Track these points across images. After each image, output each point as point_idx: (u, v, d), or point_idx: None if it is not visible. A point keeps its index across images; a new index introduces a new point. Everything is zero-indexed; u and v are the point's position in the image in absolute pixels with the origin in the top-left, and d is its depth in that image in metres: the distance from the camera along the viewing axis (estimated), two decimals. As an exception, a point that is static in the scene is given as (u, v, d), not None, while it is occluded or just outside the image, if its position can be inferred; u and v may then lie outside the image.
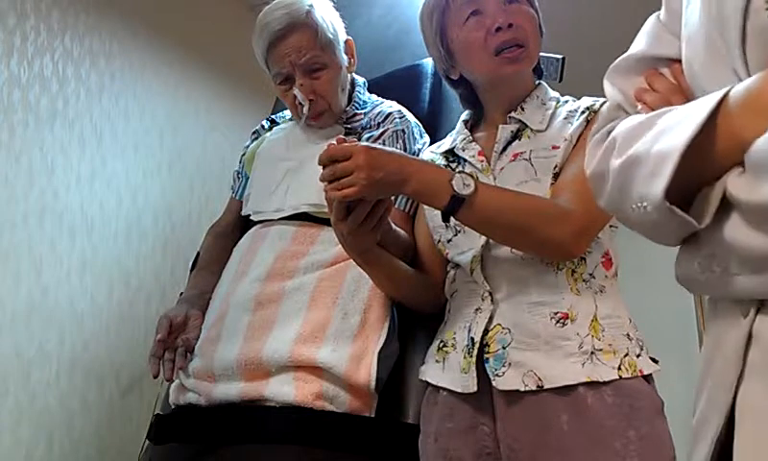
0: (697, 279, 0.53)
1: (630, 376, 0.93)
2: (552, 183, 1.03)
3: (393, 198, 1.20)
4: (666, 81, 0.60)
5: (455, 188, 0.95)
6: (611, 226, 1.06)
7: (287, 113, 1.46)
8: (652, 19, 0.65)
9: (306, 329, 1.12)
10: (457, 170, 0.97)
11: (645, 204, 0.51)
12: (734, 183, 0.47)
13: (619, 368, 0.94)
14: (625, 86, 0.63)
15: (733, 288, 0.49)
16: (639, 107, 0.60)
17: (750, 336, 0.49)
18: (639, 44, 0.65)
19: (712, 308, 0.55)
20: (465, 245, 1.09)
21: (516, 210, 0.98)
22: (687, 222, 0.49)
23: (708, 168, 0.49)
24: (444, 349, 1.08)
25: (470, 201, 0.95)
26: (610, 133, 0.59)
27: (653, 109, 0.58)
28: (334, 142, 0.99)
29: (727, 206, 0.48)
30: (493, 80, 1.13)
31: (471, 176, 0.97)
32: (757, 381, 0.47)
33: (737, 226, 0.47)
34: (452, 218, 0.98)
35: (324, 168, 0.97)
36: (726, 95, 0.48)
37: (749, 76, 0.48)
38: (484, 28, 1.07)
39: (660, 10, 0.65)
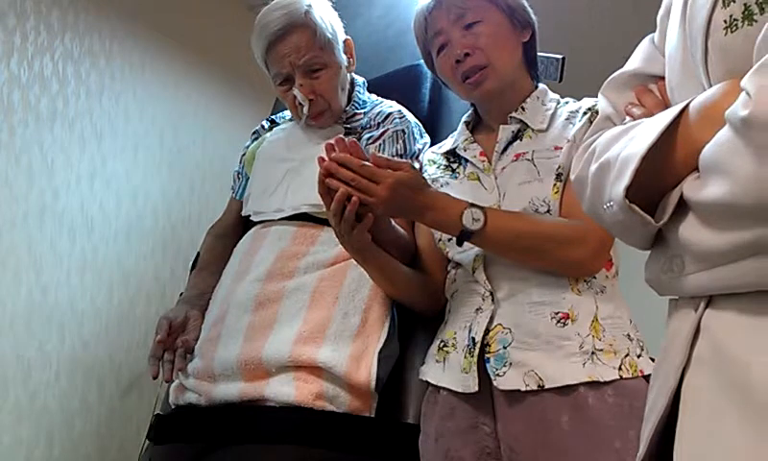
0: (660, 280, 0.57)
1: (631, 376, 0.94)
2: (555, 184, 1.04)
3: None
4: (653, 96, 0.64)
5: (464, 223, 0.99)
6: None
7: (287, 114, 1.46)
8: (646, 41, 0.69)
9: (306, 329, 1.12)
10: (468, 203, 1.01)
11: (612, 203, 0.56)
12: (689, 186, 0.51)
13: (620, 368, 0.94)
14: (617, 100, 0.67)
15: (688, 286, 0.53)
16: (627, 119, 0.64)
17: (698, 329, 0.52)
18: (634, 62, 0.69)
19: (673, 307, 0.59)
20: (465, 244, 1.09)
21: (530, 236, 1.00)
22: (647, 220, 0.54)
23: (669, 173, 0.54)
24: (445, 348, 1.08)
25: (480, 233, 0.99)
26: (594, 142, 0.64)
27: None
28: (345, 139, 1.01)
29: (685, 208, 0.52)
30: (473, 101, 1.20)
31: (482, 209, 1.00)
32: (702, 371, 0.51)
33: (692, 225, 0.51)
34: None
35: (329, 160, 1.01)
36: (687, 106, 0.53)
37: None
38: (451, 58, 1.12)
39: (655, 15, 0.68)
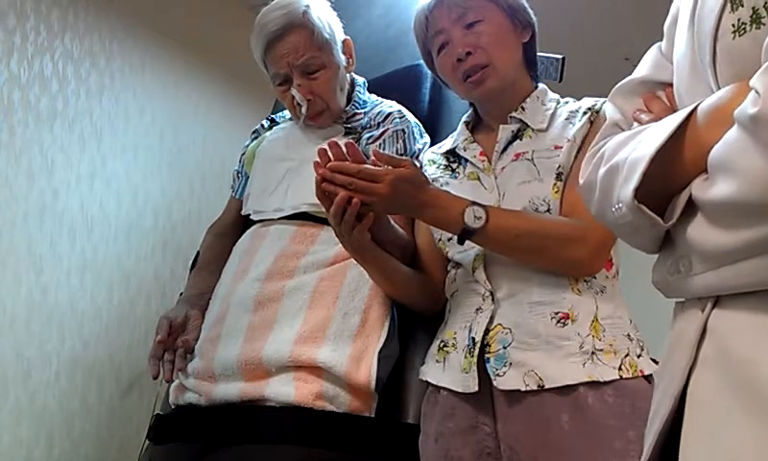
0: (668, 281, 0.58)
1: (631, 376, 0.94)
2: (555, 184, 1.04)
3: None
4: (661, 103, 0.65)
5: (466, 221, 0.98)
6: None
7: (287, 113, 1.46)
8: (654, 49, 0.69)
9: (306, 329, 1.12)
10: (470, 201, 1.01)
11: (621, 205, 0.56)
12: (697, 186, 0.52)
13: (620, 368, 0.94)
14: (625, 107, 0.68)
15: (695, 286, 0.53)
16: (635, 125, 0.64)
17: (705, 330, 0.52)
18: (642, 69, 0.69)
19: (679, 309, 0.59)
20: (466, 243, 1.09)
21: (531, 234, 1.00)
22: (656, 221, 0.54)
23: (677, 175, 0.54)
24: (445, 349, 1.08)
25: (482, 231, 0.99)
26: (602, 147, 0.64)
27: None
28: (339, 142, 1.01)
29: (693, 208, 0.53)
30: (473, 100, 1.20)
31: (484, 207, 1.00)
32: (708, 372, 0.51)
33: (700, 225, 0.52)
34: None
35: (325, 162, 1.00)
36: (695, 109, 0.54)
37: None
38: (452, 57, 1.12)
39: (655, 15, 0.71)
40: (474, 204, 1.00)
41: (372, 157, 1.03)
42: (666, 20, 0.67)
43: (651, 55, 0.69)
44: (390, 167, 1.01)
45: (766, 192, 0.43)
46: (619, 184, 0.56)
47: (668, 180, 0.54)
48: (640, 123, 0.63)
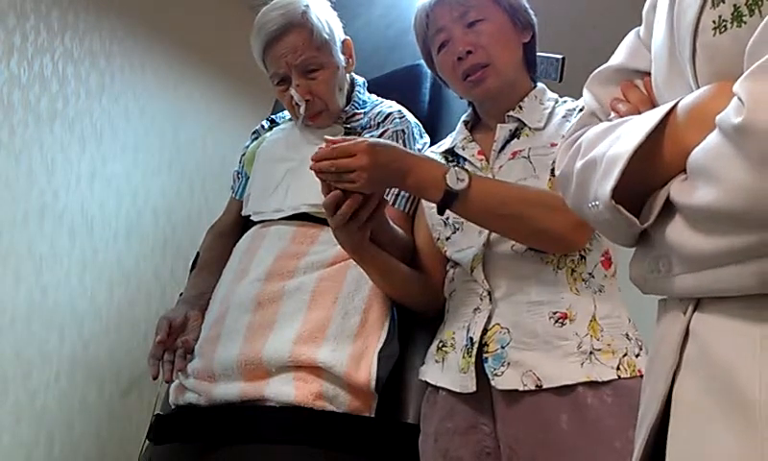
0: (646, 279, 0.57)
1: (629, 375, 0.94)
2: (550, 179, 1.04)
3: (391, 197, 1.21)
4: (639, 92, 0.64)
5: (448, 183, 0.97)
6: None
7: (287, 114, 1.46)
8: (632, 35, 0.69)
9: (306, 329, 1.12)
10: (452, 164, 0.98)
11: (597, 202, 0.55)
12: (677, 188, 0.51)
13: (618, 368, 0.94)
14: (601, 95, 0.67)
15: (675, 287, 0.53)
16: (612, 115, 0.64)
17: (687, 332, 0.52)
18: (619, 56, 0.68)
19: (662, 307, 0.59)
20: (464, 243, 1.09)
21: (513, 201, 0.99)
22: (633, 222, 0.54)
23: (655, 173, 0.53)
24: (444, 349, 1.08)
25: (464, 195, 0.97)
26: (580, 137, 0.63)
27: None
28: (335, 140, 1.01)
29: (671, 209, 0.52)
30: (472, 99, 1.20)
31: (466, 170, 0.99)
32: (692, 375, 0.51)
33: (679, 227, 0.51)
34: (449, 211, 1.00)
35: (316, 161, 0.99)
36: (674, 106, 0.53)
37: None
38: (452, 55, 1.12)
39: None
40: (457, 165, 0.99)
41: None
42: (645, 4, 0.65)
43: (628, 41, 0.68)
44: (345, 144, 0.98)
45: (746, 203, 0.43)
46: (596, 180, 0.55)
47: (646, 177, 0.54)
48: (618, 112, 0.63)
